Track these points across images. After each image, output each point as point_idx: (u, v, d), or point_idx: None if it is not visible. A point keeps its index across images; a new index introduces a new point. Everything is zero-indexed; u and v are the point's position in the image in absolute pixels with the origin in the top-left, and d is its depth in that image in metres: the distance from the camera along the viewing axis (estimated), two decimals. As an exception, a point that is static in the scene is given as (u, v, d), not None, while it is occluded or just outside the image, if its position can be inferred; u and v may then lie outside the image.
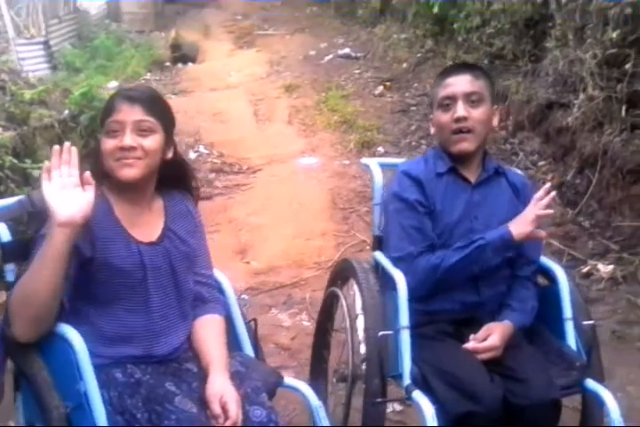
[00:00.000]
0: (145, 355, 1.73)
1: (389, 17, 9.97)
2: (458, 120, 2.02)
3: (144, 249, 1.76)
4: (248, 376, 1.76)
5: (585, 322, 2.02)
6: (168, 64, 10.64)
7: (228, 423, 1.58)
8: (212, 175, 5.55)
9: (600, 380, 1.96)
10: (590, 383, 1.90)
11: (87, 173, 1.62)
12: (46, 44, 8.89)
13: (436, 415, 1.75)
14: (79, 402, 1.55)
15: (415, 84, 7.63)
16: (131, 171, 1.71)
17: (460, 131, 2.03)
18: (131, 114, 1.72)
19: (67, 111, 5.23)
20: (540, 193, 1.95)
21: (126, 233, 1.75)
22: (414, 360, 1.89)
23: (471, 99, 2.04)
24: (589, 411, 2.00)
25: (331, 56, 9.70)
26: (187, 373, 1.74)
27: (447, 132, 2.06)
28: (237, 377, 1.74)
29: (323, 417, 1.83)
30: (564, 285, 2.04)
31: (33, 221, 1.75)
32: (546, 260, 2.17)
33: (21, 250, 1.73)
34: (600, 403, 1.86)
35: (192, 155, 5.96)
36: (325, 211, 4.84)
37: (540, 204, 1.93)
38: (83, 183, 1.61)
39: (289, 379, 1.90)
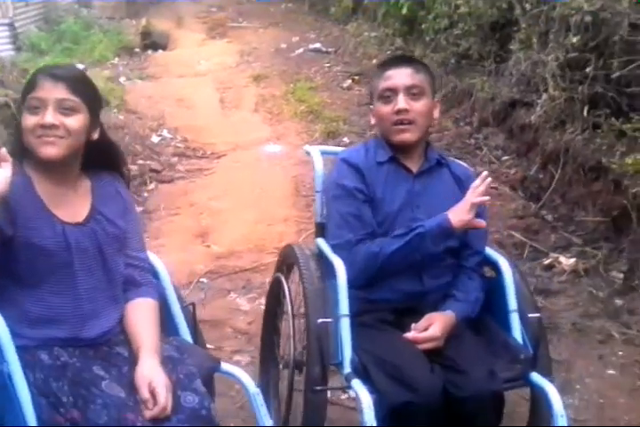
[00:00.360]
0: (72, 338, 1.64)
1: (361, 15, 10.01)
2: (399, 112, 1.99)
3: (69, 230, 1.67)
4: (182, 361, 1.67)
5: (531, 315, 1.95)
6: (137, 50, 10.46)
7: (156, 409, 1.49)
8: (175, 159, 5.44)
9: (546, 374, 1.91)
10: (535, 377, 1.84)
11: (2, 150, 1.52)
12: (11, 25, 8.67)
13: (375, 405, 1.68)
14: (3, 383, 1.46)
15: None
16: (52, 149, 1.63)
17: (400, 122, 2.00)
18: (54, 92, 1.64)
19: (24, 90, 5.06)
20: (477, 181, 1.90)
21: (49, 212, 1.66)
22: (355, 349, 1.82)
23: (412, 91, 2.01)
24: (536, 404, 1.95)
25: (301, 50, 9.65)
26: (117, 357, 1.65)
27: (388, 123, 2.02)
28: (170, 362, 1.65)
29: (260, 404, 1.75)
30: (509, 276, 1.98)
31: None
32: (492, 251, 2.12)
33: None
34: (544, 397, 1.80)
35: (155, 138, 5.84)
36: (288, 198, 4.75)
37: (476, 191, 1.88)
38: None
39: (226, 365, 1.81)
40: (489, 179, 1.90)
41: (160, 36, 11.76)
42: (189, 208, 4.57)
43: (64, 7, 10.43)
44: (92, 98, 1.72)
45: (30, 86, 1.66)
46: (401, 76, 2.02)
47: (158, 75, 8.53)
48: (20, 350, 1.51)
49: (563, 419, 1.74)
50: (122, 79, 8.06)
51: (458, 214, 1.88)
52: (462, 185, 2.08)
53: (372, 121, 2.14)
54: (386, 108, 2.01)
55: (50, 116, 1.61)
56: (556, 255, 3.74)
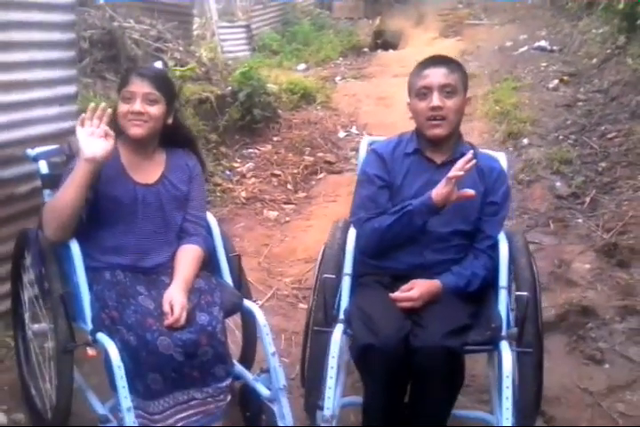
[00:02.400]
0: (131, 265, 2.33)
1: (595, 10, 9.72)
2: (433, 109, 2.33)
3: (139, 188, 2.36)
4: (207, 292, 2.29)
5: (518, 292, 2.24)
6: (366, 50, 11.29)
7: (171, 319, 2.12)
8: (352, 153, 6.05)
9: (526, 347, 2.18)
10: (503, 345, 2.14)
11: (107, 128, 2.23)
12: (247, 27, 9.96)
13: (350, 347, 2.15)
14: (73, 287, 2.20)
15: (595, 81, 7.48)
16: (138, 130, 2.31)
17: (434, 118, 2.34)
18: (141, 87, 2.30)
19: (229, 88, 6.04)
20: (460, 161, 2.21)
21: (127, 175, 2.36)
22: (350, 301, 2.29)
23: (446, 90, 2.34)
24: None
25: (525, 48, 9.69)
26: (159, 282, 2.30)
27: (423, 118, 2.37)
28: (197, 291, 2.28)
29: (267, 334, 2.31)
30: (504, 255, 2.30)
31: (67, 161, 2.40)
32: (505, 233, 2.42)
33: (55, 180, 2.38)
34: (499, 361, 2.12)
35: (341, 133, 6.51)
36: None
37: (455, 168, 2.20)
38: (106, 134, 2.22)
39: (247, 301, 2.39)
40: (474, 160, 2.20)
41: (393, 35, 12.54)
42: (347, 197, 5.16)
43: (302, 9, 11.59)
44: (169, 92, 2.38)
45: (124, 82, 2.35)
46: (436, 76, 2.35)
47: (373, 74, 9.24)
48: (92, 269, 2.25)
49: (508, 379, 2.05)
50: (337, 78, 8.90)
51: (437, 190, 2.23)
52: (484, 176, 2.42)
53: (410, 115, 2.52)
54: (421, 104, 2.37)
55: (138, 106, 2.30)
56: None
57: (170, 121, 2.41)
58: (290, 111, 7.18)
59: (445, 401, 2.15)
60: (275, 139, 6.23)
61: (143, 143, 2.38)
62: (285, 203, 5.03)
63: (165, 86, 2.38)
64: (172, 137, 2.46)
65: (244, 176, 5.36)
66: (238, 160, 5.67)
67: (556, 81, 7.66)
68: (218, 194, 4.91)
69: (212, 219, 2.56)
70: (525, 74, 8.32)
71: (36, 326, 2.43)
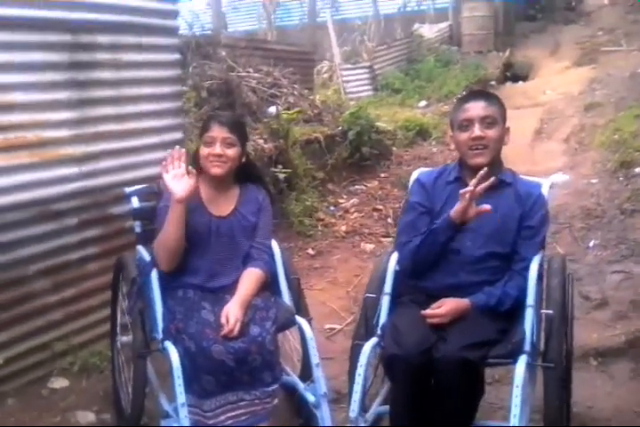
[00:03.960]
0: (201, 285, 2.77)
1: None
2: (475, 139, 2.61)
3: (214, 220, 2.81)
4: (262, 309, 2.69)
5: (544, 311, 2.46)
6: (493, 83, 11.44)
7: (225, 329, 2.53)
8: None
9: (549, 362, 2.39)
10: (521, 360, 2.35)
11: (190, 169, 2.71)
12: (370, 68, 10.49)
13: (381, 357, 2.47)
14: (150, 301, 2.68)
15: None
16: (218, 170, 2.76)
17: (476, 147, 2.61)
18: (220, 132, 2.76)
19: (339, 128, 6.52)
20: (475, 179, 2.46)
21: (205, 208, 2.81)
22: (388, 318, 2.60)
23: (486, 121, 2.61)
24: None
25: (658, 73, 9.52)
26: (223, 300, 2.71)
27: (465, 148, 2.64)
28: (254, 307, 2.68)
29: (312, 347, 2.66)
30: (532, 275, 2.51)
31: (155, 197, 2.91)
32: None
33: (144, 213, 2.92)
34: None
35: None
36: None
37: (471, 183, 2.45)
38: (188, 172, 2.70)
39: (299, 317, 2.76)
40: (492, 178, 2.45)
41: (522, 66, 12.60)
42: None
43: (428, 46, 11.97)
44: (243, 136, 2.84)
45: (206, 128, 2.80)
46: (477, 109, 2.61)
47: (495, 107, 9.38)
48: (169, 287, 2.72)
49: (517, 389, 2.26)
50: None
51: (455, 207, 2.49)
52: (522, 202, 2.65)
53: (453, 146, 2.82)
54: (464, 136, 2.63)
55: (218, 149, 2.75)
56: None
57: (243, 160, 2.86)
58: (404, 148, 7.54)
59: (464, 411, 2.39)
60: (382, 175, 6.61)
61: (221, 181, 2.83)
62: (383, 236, 5.35)
63: (240, 131, 2.82)
64: (244, 174, 2.91)
65: (347, 211, 5.77)
66: (344, 196, 6.10)
67: (685, 108, 7.51)
68: (319, 228, 5.34)
69: (275, 245, 2.96)
70: (653, 101, 8.19)
71: (123, 338, 2.93)
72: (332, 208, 5.78)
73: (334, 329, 3.90)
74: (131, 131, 3.68)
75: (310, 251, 4.99)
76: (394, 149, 7.29)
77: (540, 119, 8.34)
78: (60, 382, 3.26)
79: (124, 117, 3.65)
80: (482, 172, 2.49)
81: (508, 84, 11.79)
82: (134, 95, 3.70)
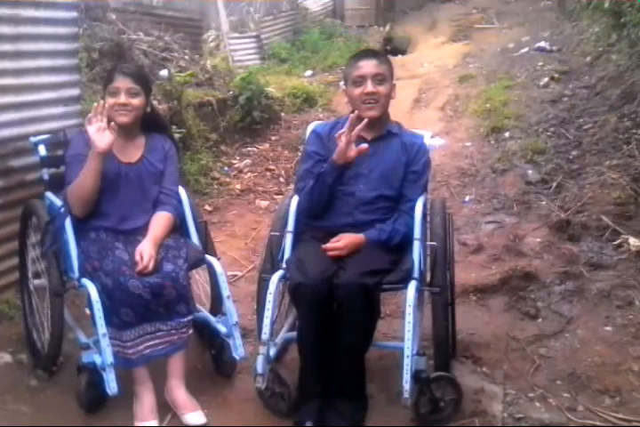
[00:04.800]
0: (114, 227, 2.88)
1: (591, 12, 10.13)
2: (367, 94, 2.85)
3: (123, 166, 2.92)
4: (174, 248, 2.83)
5: (429, 242, 2.75)
6: (373, 56, 11.78)
7: (140, 266, 2.66)
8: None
9: (435, 287, 2.68)
10: (411, 285, 2.62)
11: (112, 123, 2.78)
12: (257, 37, 10.60)
13: (288, 288, 2.67)
14: (64, 242, 2.76)
15: (585, 77, 7.90)
16: (124, 118, 2.88)
17: (368, 102, 2.85)
18: (125, 82, 2.86)
19: (231, 92, 6.62)
20: (348, 122, 2.72)
21: (114, 156, 2.91)
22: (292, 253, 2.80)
23: (377, 78, 2.86)
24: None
25: (526, 49, 10.12)
26: (135, 241, 2.83)
27: (359, 102, 2.88)
28: (165, 246, 2.81)
29: (223, 281, 2.84)
30: (418, 213, 2.79)
31: (62, 145, 2.98)
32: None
33: (52, 161, 2.99)
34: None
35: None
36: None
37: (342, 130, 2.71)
38: (109, 128, 2.77)
39: (208, 256, 2.92)
40: (364, 121, 2.70)
41: (401, 41, 13.06)
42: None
43: (313, 19, 12.18)
44: (147, 86, 2.95)
45: (110, 79, 2.90)
46: (369, 67, 2.87)
47: (375, 78, 9.74)
48: (80, 230, 2.81)
49: (410, 309, 2.53)
50: (341, 83, 9.40)
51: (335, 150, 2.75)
52: (407, 150, 2.93)
53: (346, 100, 3.03)
54: (357, 91, 2.88)
55: (123, 98, 2.86)
56: (627, 237, 4.14)
57: (148, 109, 2.97)
58: (292, 114, 7.73)
59: (364, 332, 2.64)
60: (273, 138, 6.80)
61: (128, 129, 2.93)
62: (277, 194, 5.57)
63: (144, 81, 2.94)
64: (150, 124, 3.02)
65: (240, 171, 5.93)
66: (237, 157, 6.25)
67: (546, 79, 8.10)
68: (215, 186, 5.48)
69: (182, 191, 3.09)
70: (521, 73, 8.74)
71: (36, 281, 2.99)
72: (226, 168, 5.91)
73: (236, 275, 4.10)
74: (28, 85, 3.67)
75: (207, 207, 5.12)
76: (282, 114, 7.47)
77: (419, 89, 8.73)
78: (-31, 330, 3.27)
79: (22, 72, 3.64)
80: (352, 115, 2.75)
81: (389, 57, 12.16)
82: (32, 51, 3.69)
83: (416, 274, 2.70)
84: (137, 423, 2.63)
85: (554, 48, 9.79)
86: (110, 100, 2.86)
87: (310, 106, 8.11)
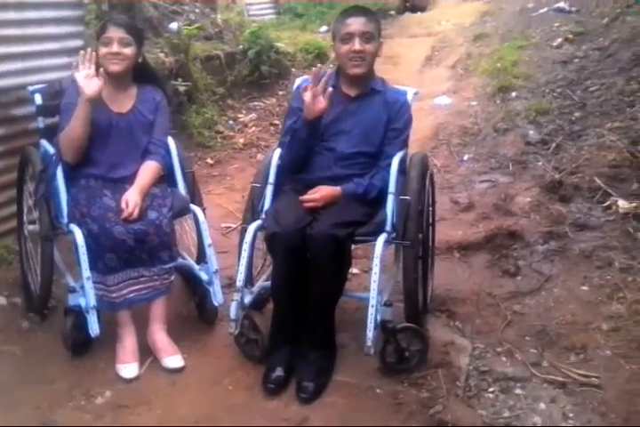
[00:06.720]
0: (103, 175, 2.96)
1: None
2: (355, 52, 2.85)
3: (114, 116, 2.98)
4: (159, 197, 2.91)
5: (402, 197, 2.79)
6: (392, 13, 11.65)
7: (125, 213, 2.75)
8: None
9: (406, 240, 2.73)
10: (380, 237, 2.68)
11: (101, 70, 2.84)
12: (273, -8, 10.48)
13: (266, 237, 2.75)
14: (55, 189, 2.85)
15: (600, 39, 7.77)
16: (116, 67, 2.93)
17: (355, 59, 2.86)
18: (117, 32, 2.91)
19: (240, 46, 6.62)
20: (312, 77, 2.74)
21: (105, 105, 2.97)
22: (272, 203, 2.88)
23: (365, 36, 2.84)
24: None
25: (545, 9, 9.97)
26: (123, 189, 2.91)
27: (345, 59, 2.89)
28: (151, 195, 2.90)
29: (204, 230, 2.94)
30: (394, 168, 2.82)
31: (57, 94, 3.05)
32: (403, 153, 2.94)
33: (47, 110, 3.06)
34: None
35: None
36: (426, 141, 5.64)
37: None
38: (97, 74, 2.83)
39: (193, 205, 3.00)
40: (324, 78, 2.72)
41: (421, -3, 12.83)
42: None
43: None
44: (139, 36, 2.99)
45: (103, 29, 2.94)
46: (357, 24, 2.84)
47: (391, 35, 9.66)
48: (71, 177, 2.89)
49: (376, 260, 2.60)
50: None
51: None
52: (389, 107, 2.95)
53: (333, 56, 3.05)
54: (345, 48, 2.87)
55: (115, 48, 2.90)
56: (616, 199, 4.15)
57: (140, 60, 3.02)
58: (303, 69, 7.71)
59: (333, 283, 2.70)
60: (280, 93, 6.81)
61: (119, 79, 2.99)
62: (279, 148, 5.60)
63: (136, 31, 2.98)
64: (142, 75, 3.08)
65: (245, 126, 5.97)
66: (243, 111, 6.28)
67: (560, 39, 7.98)
68: (218, 140, 5.53)
69: (171, 142, 3.16)
70: (536, 33, 8.64)
71: (30, 227, 3.09)
72: (231, 122, 5.96)
73: (230, 227, 4.17)
74: (31, 36, 3.73)
75: (209, 160, 5.19)
76: (293, 70, 7.45)
77: (432, 47, 8.67)
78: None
79: (26, 22, 3.69)
80: (314, 69, 2.79)
81: (407, 14, 12.02)
82: (36, 2, 3.74)
83: (388, 227, 2.74)
84: (118, 365, 2.75)
85: (573, 9, 9.63)
86: (103, 50, 2.90)
87: (322, 62, 8.06)
